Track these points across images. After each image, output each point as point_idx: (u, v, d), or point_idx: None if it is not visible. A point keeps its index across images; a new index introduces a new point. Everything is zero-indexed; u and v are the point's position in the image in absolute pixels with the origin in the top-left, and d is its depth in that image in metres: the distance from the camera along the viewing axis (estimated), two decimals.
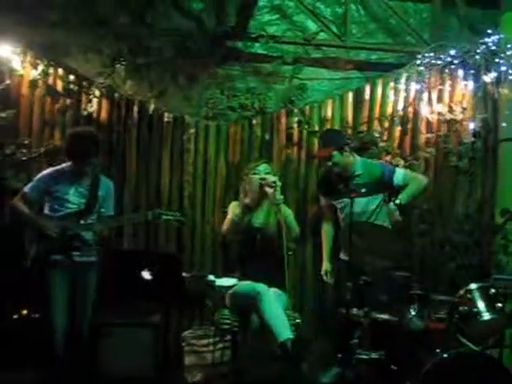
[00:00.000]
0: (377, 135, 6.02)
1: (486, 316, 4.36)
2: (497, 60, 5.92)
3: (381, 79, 6.16)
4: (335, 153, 5.18)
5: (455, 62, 6.02)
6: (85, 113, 5.86)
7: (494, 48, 5.92)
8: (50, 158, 5.60)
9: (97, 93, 5.88)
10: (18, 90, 5.75)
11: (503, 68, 5.92)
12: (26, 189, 4.88)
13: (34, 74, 5.77)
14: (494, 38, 5.93)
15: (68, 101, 5.85)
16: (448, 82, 6.10)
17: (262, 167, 5.23)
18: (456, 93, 6.10)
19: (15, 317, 5.28)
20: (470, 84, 6.04)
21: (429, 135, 6.07)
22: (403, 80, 6.11)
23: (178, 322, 5.87)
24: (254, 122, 6.07)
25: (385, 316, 4.57)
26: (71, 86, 5.86)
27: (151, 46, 5.90)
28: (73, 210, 4.85)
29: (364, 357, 4.43)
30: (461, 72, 6.06)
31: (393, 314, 4.53)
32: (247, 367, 4.88)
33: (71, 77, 5.87)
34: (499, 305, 4.40)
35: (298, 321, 4.93)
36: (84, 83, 5.89)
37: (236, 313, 4.93)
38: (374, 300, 4.55)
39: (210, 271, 5.51)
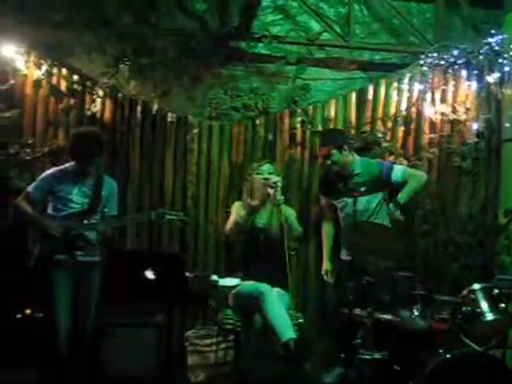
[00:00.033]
0: (380, 135, 6.02)
1: (489, 316, 4.35)
2: (500, 60, 5.92)
3: (384, 79, 6.16)
4: (334, 151, 5.19)
5: (458, 62, 6.02)
6: (88, 113, 5.87)
7: (497, 48, 5.92)
8: (53, 158, 5.61)
9: (100, 93, 5.89)
10: (21, 90, 5.76)
11: (507, 68, 5.93)
12: (30, 188, 4.88)
13: (37, 73, 5.77)
14: (498, 38, 5.93)
15: (72, 101, 5.86)
16: (451, 83, 6.10)
17: (265, 167, 5.24)
18: (459, 93, 6.10)
19: (19, 316, 5.29)
20: (474, 84, 6.04)
21: (432, 135, 6.06)
22: (406, 80, 6.11)
23: (181, 322, 5.88)
24: (258, 122, 6.07)
25: (388, 316, 4.57)
26: (75, 86, 5.87)
27: (155, 46, 5.91)
28: (76, 209, 4.86)
29: (367, 357, 4.42)
30: (464, 72, 6.05)
31: (394, 313, 4.53)
32: (250, 367, 4.88)
33: (75, 77, 5.88)
34: (502, 305, 4.40)
35: (300, 321, 4.93)
36: (88, 83, 5.90)
37: (239, 313, 4.93)
38: (375, 300, 4.55)
39: (213, 271, 5.51)
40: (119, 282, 4.62)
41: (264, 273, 4.96)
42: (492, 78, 5.99)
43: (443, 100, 6.09)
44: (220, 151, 6.04)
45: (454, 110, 6.05)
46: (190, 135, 6.00)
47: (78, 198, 4.87)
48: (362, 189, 5.11)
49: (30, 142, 5.72)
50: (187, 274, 4.79)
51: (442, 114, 6.06)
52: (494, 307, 4.37)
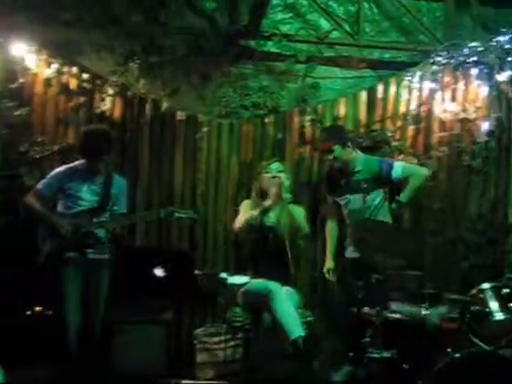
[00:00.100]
0: (389, 134, 6.01)
1: (499, 316, 4.33)
2: (510, 59, 5.90)
3: (394, 78, 6.15)
4: (336, 147, 5.19)
5: (469, 60, 6.00)
6: (98, 111, 5.90)
7: (507, 47, 5.89)
8: (63, 156, 5.63)
9: (110, 91, 5.91)
10: (32, 89, 5.79)
11: None
12: (39, 186, 4.89)
13: (47, 72, 5.80)
14: (508, 36, 5.90)
15: (81, 99, 5.88)
16: (461, 81, 6.08)
17: (275, 166, 5.24)
18: (469, 92, 6.08)
19: (29, 314, 5.30)
20: (484, 83, 6.02)
21: (442, 134, 6.04)
22: (416, 79, 6.09)
23: (189, 320, 5.89)
24: (267, 120, 6.08)
25: (396, 315, 4.56)
26: (85, 85, 5.90)
27: (164, 44, 5.92)
28: (86, 207, 4.86)
29: (376, 355, 4.42)
30: (474, 71, 6.03)
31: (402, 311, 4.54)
32: (259, 365, 4.88)
33: (85, 75, 5.90)
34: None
35: (309, 319, 4.93)
36: (97, 82, 5.92)
37: (248, 311, 4.93)
38: (382, 298, 4.56)
39: (222, 269, 5.52)
40: (129, 280, 4.65)
41: (273, 271, 4.96)
42: (502, 77, 5.96)
43: (453, 99, 6.07)
44: (229, 149, 6.05)
45: (464, 109, 6.02)
46: (200, 133, 6.01)
47: (87, 195, 4.88)
48: (363, 186, 5.13)
49: (39, 140, 5.74)
50: (196, 271, 4.81)
51: (452, 112, 6.04)
52: (503, 306, 4.36)
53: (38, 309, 5.33)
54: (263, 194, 5.15)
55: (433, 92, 6.05)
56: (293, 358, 4.61)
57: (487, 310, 4.35)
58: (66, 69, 5.85)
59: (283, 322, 4.61)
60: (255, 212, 5.08)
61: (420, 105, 6.07)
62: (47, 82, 5.80)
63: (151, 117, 5.97)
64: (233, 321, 4.96)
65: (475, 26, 6.37)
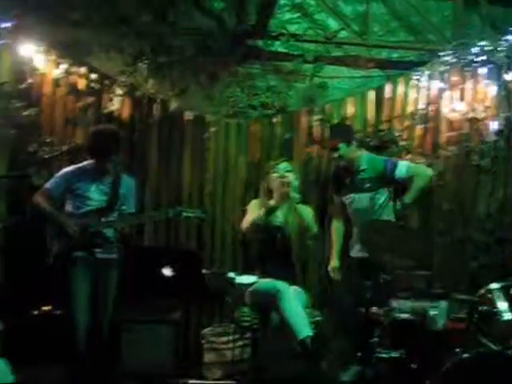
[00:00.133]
0: (397, 134, 6.01)
1: (507, 316, 4.31)
2: None
3: (402, 77, 6.14)
4: (342, 145, 5.20)
5: (477, 60, 5.98)
6: (107, 111, 5.92)
7: None
8: (71, 156, 5.65)
9: (119, 91, 5.93)
10: (40, 89, 5.81)
11: None
12: (48, 186, 4.91)
13: (56, 72, 5.82)
14: None
15: (90, 99, 5.90)
16: (470, 81, 6.06)
17: (282, 165, 5.24)
18: (478, 91, 6.06)
19: (37, 313, 5.32)
20: (493, 82, 6.00)
21: (450, 134, 6.03)
22: (425, 78, 6.08)
23: (197, 319, 5.90)
24: (275, 120, 6.09)
25: (405, 315, 4.56)
26: (93, 85, 5.91)
27: (173, 44, 5.93)
28: (94, 207, 4.87)
29: (384, 355, 4.41)
30: (483, 70, 6.01)
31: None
32: (267, 365, 4.88)
33: (93, 75, 5.92)
34: None
35: (317, 318, 4.93)
36: (106, 82, 5.94)
37: (256, 310, 4.93)
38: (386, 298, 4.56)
39: (230, 269, 5.53)
40: (137, 279, 4.66)
41: (281, 271, 4.96)
42: (511, 76, 5.94)
43: (462, 98, 6.05)
44: (237, 149, 6.06)
45: (473, 108, 6.00)
46: (208, 133, 6.02)
47: (95, 195, 4.89)
48: (367, 185, 5.13)
49: (48, 140, 5.76)
50: (204, 271, 4.81)
51: (461, 112, 6.02)
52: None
53: (46, 308, 5.34)
54: (271, 194, 5.15)
55: (441, 91, 6.04)
56: (301, 358, 4.61)
57: (495, 310, 4.33)
58: (74, 69, 5.87)
59: (291, 321, 4.61)
60: (261, 211, 5.09)
61: (428, 104, 6.06)
62: (56, 83, 5.83)
63: (159, 117, 5.99)
64: (241, 320, 4.96)
65: (484, 25, 6.34)
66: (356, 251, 5.24)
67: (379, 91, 6.14)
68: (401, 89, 6.11)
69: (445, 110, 6.04)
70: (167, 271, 4.57)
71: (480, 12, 6.37)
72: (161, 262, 4.60)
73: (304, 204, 5.26)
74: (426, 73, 6.09)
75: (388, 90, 6.13)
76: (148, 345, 5.27)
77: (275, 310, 4.74)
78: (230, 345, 5.37)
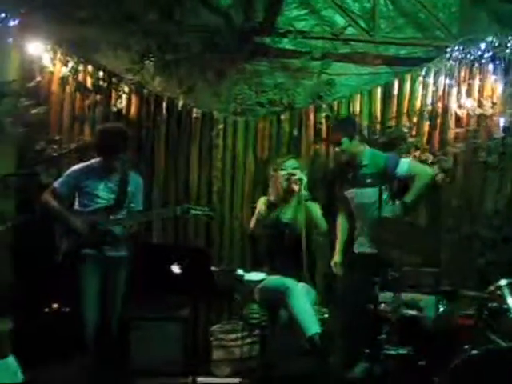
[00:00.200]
0: (405, 130, 5.99)
1: None
2: None
3: (409, 74, 6.12)
4: (344, 139, 5.23)
5: (485, 56, 5.96)
6: (114, 109, 5.93)
7: None
8: (80, 154, 5.66)
9: (126, 89, 5.94)
10: (48, 87, 5.83)
11: None
12: (56, 184, 4.93)
13: (64, 70, 5.84)
14: None
15: (97, 97, 5.92)
16: (477, 77, 6.04)
17: (290, 163, 5.25)
18: (486, 87, 6.03)
19: (46, 311, 5.34)
20: (500, 78, 5.98)
21: (458, 130, 6.01)
22: (432, 75, 6.06)
23: (206, 317, 5.91)
24: (283, 117, 6.09)
25: (413, 312, 4.56)
26: (101, 83, 5.93)
27: (180, 42, 5.93)
28: (102, 205, 4.90)
29: (392, 352, 4.41)
30: (490, 66, 5.99)
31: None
32: (275, 362, 4.89)
33: (101, 73, 5.94)
34: None
35: (325, 315, 4.93)
36: (113, 79, 5.95)
37: (264, 307, 4.94)
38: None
39: (238, 266, 5.53)
40: (145, 277, 4.65)
41: (289, 268, 4.97)
42: None
43: (469, 94, 6.02)
44: (245, 146, 6.07)
45: (481, 105, 5.98)
46: (215, 131, 6.03)
47: (104, 193, 4.91)
48: (369, 180, 5.14)
49: (56, 138, 5.78)
50: (213, 268, 4.81)
51: (468, 108, 6.01)
52: None
53: (55, 306, 5.36)
54: (279, 190, 5.16)
55: (449, 88, 6.02)
56: (309, 355, 4.62)
57: (505, 306, 4.33)
58: (82, 67, 5.88)
59: (300, 318, 4.62)
60: (262, 207, 5.12)
61: (436, 101, 6.04)
62: (64, 81, 5.83)
63: (167, 114, 6.00)
64: (249, 318, 4.98)
65: (491, 21, 6.32)
66: (360, 246, 5.25)
67: (387, 88, 6.12)
68: (408, 85, 6.09)
69: (452, 106, 6.02)
70: (176, 269, 4.57)
71: (487, 8, 6.36)
72: (169, 260, 4.59)
73: (312, 201, 5.26)
74: (434, 69, 6.07)
75: (395, 86, 6.11)
76: (157, 342, 5.29)
77: (284, 307, 4.75)
78: (239, 342, 5.38)
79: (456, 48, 5.99)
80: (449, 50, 6.00)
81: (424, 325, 4.53)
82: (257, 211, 5.24)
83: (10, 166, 5.61)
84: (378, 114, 6.10)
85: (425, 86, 6.07)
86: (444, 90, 6.03)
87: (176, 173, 5.97)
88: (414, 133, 6.01)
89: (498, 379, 4.06)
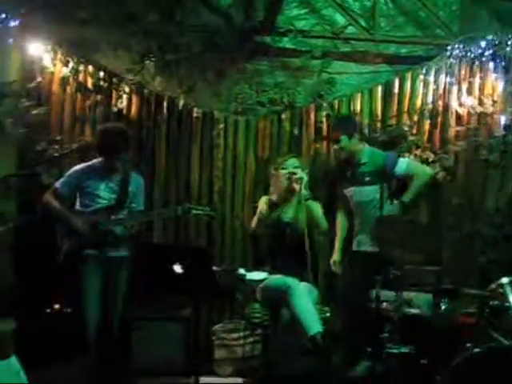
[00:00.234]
0: (406, 129, 5.99)
1: None
2: None
3: (410, 72, 6.12)
4: (343, 137, 5.26)
5: (485, 54, 5.96)
6: (115, 109, 5.93)
7: None
8: (81, 154, 5.66)
9: (126, 89, 5.95)
10: (49, 87, 5.83)
11: None
12: (58, 184, 4.94)
13: (64, 71, 5.84)
14: None
15: (98, 97, 5.91)
16: (478, 75, 6.04)
17: (291, 162, 5.25)
18: (486, 85, 6.03)
19: (48, 311, 5.34)
20: (501, 76, 5.98)
21: (459, 128, 6.01)
22: (433, 73, 6.06)
23: (208, 316, 5.91)
24: (283, 116, 6.09)
25: (415, 310, 4.56)
26: (101, 83, 5.93)
27: (180, 42, 5.92)
28: (103, 205, 4.90)
29: (394, 351, 4.42)
30: (491, 64, 5.99)
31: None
32: (277, 361, 4.89)
33: (101, 73, 5.94)
34: None
35: (327, 314, 4.93)
36: (114, 80, 5.96)
37: (266, 307, 4.94)
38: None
39: (240, 265, 5.53)
40: (147, 277, 4.66)
41: (291, 267, 4.97)
42: None
43: (470, 92, 6.03)
44: (246, 146, 6.07)
45: (481, 103, 5.98)
46: (216, 130, 6.03)
47: (105, 193, 4.92)
48: (367, 178, 5.15)
49: (57, 138, 5.78)
50: (214, 268, 4.81)
51: (469, 106, 6.01)
52: None
53: (57, 306, 5.36)
54: (280, 190, 5.16)
55: (449, 86, 6.02)
56: (311, 354, 4.62)
57: (507, 304, 4.33)
58: (82, 67, 5.88)
59: (302, 317, 4.62)
60: (264, 207, 5.11)
61: (436, 99, 6.04)
62: (64, 81, 5.83)
63: (168, 114, 6.00)
64: (251, 317, 4.98)
65: (491, 19, 6.31)
66: (358, 245, 5.26)
67: (387, 86, 6.12)
68: (409, 84, 6.09)
69: (453, 104, 6.02)
70: (177, 268, 4.58)
71: (487, 6, 6.35)
72: (171, 260, 4.60)
73: (313, 200, 5.26)
74: (434, 67, 6.07)
75: (396, 85, 6.11)
76: (158, 342, 5.29)
77: (286, 306, 4.75)
78: (241, 341, 5.38)
79: (456, 46, 5.99)
80: (449, 48, 6.00)
81: (426, 323, 4.54)
82: (258, 210, 5.24)
83: (11, 166, 5.61)
84: (379, 113, 6.10)
85: (425, 84, 6.07)
86: (445, 88, 6.03)
87: (177, 172, 5.98)
88: (414, 131, 6.01)
89: (500, 377, 4.06)
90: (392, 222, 4.77)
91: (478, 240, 5.84)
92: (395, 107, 6.09)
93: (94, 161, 5.01)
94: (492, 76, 5.99)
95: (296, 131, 6.06)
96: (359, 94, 6.12)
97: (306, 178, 5.13)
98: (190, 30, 6.00)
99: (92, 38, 5.79)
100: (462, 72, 6.03)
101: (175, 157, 5.98)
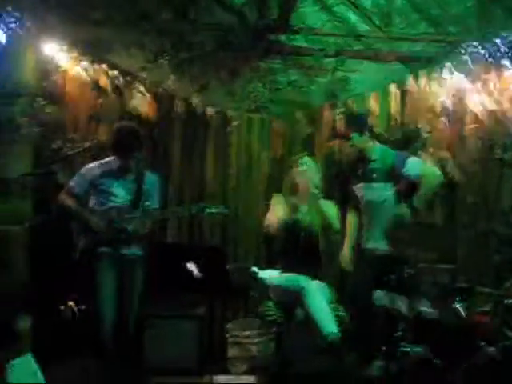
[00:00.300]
0: (420, 127, 5.98)
1: None
2: None
3: (424, 70, 6.11)
4: (354, 134, 5.25)
5: (500, 51, 5.93)
6: (129, 108, 5.94)
7: None
8: (95, 153, 5.68)
9: (140, 88, 5.95)
10: (63, 87, 5.85)
11: None
12: (72, 183, 4.96)
13: (79, 70, 5.85)
14: None
15: (112, 96, 5.93)
16: (493, 73, 6.01)
17: (304, 160, 5.24)
18: (501, 83, 6.01)
19: (64, 309, 5.36)
20: None
21: (473, 127, 5.99)
22: (447, 71, 6.04)
23: (222, 314, 5.92)
24: (297, 115, 6.08)
25: (429, 309, 4.55)
26: (115, 82, 5.94)
27: (194, 40, 5.93)
28: (118, 203, 4.91)
29: (408, 350, 4.41)
30: (506, 62, 5.96)
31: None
32: (291, 359, 4.89)
33: (115, 72, 5.95)
34: None
35: (342, 313, 4.93)
36: (127, 78, 5.96)
37: (280, 305, 4.94)
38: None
39: (253, 263, 5.54)
40: (162, 275, 4.68)
41: (304, 266, 4.96)
42: None
43: (485, 90, 6.00)
44: (260, 144, 6.09)
45: (496, 101, 5.96)
46: (230, 129, 6.03)
47: (119, 191, 4.93)
48: (376, 176, 5.15)
49: (71, 137, 5.80)
50: (228, 266, 4.83)
51: (484, 104, 5.98)
52: None
53: (73, 304, 5.38)
54: (294, 189, 5.16)
55: (464, 84, 5.99)
56: (325, 353, 4.62)
57: None
58: (96, 66, 5.90)
59: (316, 317, 4.62)
60: (286, 209, 5.09)
61: (451, 97, 6.02)
62: (78, 80, 5.85)
63: (181, 113, 6.01)
64: (265, 315, 4.97)
65: (507, 16, 6.28)
66: (367, 242, 5.25)
67: (401, 84, 6.11)
68: (423, 82, 6.07)
69: (468, 102, 6.00)
70: (192, 266, 4.60)
71: (502, 5, 6.31)
72: (185, 258, 4.63)
73: (327, 199, 5.26)
74: (448, 65, 6.05)
75: (410, 83, 6.09)
76: (173, 340, 5.31)
77: (300, 305, 4.75)
78: (255, 339, 5.38)
79: (471, 44, 5.96)
80: (464, 45, 5.98)
81: (440, 322, 4.53)
82: (271, 209, 5.24)
83: (27, 165, 5.64)
84: (393, 111, 6.08)
85: (440, 82, 6.04)
86: (459, 86, 6.01)
87: (191, 171, 5.99)
88: (429, 129, 5.99)
89: None
90: (404, 221, 4.78)
91: (492, 238, 5.82)
92: (409, 105, 6.07)
93: (108, 159, 5.02)
94: (507, 74, 5.96)
95: (310, 130, 6.05)
96: (373, 93, 6.10)
97: (317, 178, 5.12)
98: (203, 29, 5.99)
99: (106, 37, 5.79)
100: (477, 70, 6.00)
101: (189, 155, 5.99)
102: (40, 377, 4.40)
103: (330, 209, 5.20)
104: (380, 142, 5.50)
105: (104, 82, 5.93)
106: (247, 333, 5.53)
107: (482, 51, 5.94)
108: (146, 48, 5.90)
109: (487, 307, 4.53)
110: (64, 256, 4.88)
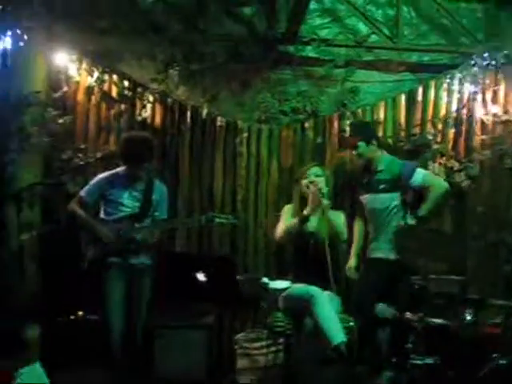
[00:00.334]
0: (430, 137, 5.97)
1: None
2: None
3: (434, 81, 6.11)
4: (361, 143, 5.24)
5: (509, 62, 5.93)
6: (139, 118, 5.96)
7: None
8: (105, 163, 5.70)
9: (151, 98, 5.97)
10: (74, 97, 5.87)
11: None
12: (82, 193, 4.97)
13: (89, 80, 5.88)
14: None
15: (123, 106, 5.95)
16: (503, 83, 6.01)
17: (313, 170, 5.23)
18: (511, 93, 6.00)
19: (73, 318, 5.37)
20: None
21: (483, 137, 5.98)
22: (457, 81, 6.04)
23: (231, 325, 5.91)
24: (307, 125, 6.09)
25: (439, 320, 4.53)
26: (126, 92, 5.96)
27: (204, 51, 5.94)
28: (127, 213, 4.92)
29: (418, 362, 4.39)
30: None
31: None
32: (300, 370, 4.87)
33: (126, 83, 5.97)
34: None
35: (351, 324, 4.90)
36: (138, 89, 5.98)
37: (289, 315, 4.93)
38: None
39: (263, 274, 5.52)
40: (170, 285, 4.67)
41: (314, 276, 4.95)
42: None
43: (494, 101, 6.00)
44: (269, 155, 6.07)
45: (506, 111, 5.96)
46: (239, 139, 6.04)
47: (128, 201, 4.94)
48: (382, 186, 5.13)
49: (82, 147, 5.82)
50: (238, 276, 4.82)
51: (494, 114, 5.98)
52: None
53: (81, 313, 5.38)
54: (304, 199, 5.15)
55: (474, 94, 5.99)
56: (335, 364, 4.60)
57: None
58: (107, 77, 5.92)
59: (325, 327, 4.60)
60: (295, 220, 5.08)
61: (461, 107, 6.02)
62: (89, 90, 5.88)
63: (191, 123, 6.02)
64: (274, 326, 4.96)
65: None
66: (373, 252, 5.24)
67: (411, 95, 6.11)
68: (433, 92, 6.08)
69: (478, 112, 5.99)
70: (201, 277, 4.59)
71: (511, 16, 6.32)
72: (195, 268, 4.62)
73: (336, 209, 5.25)
74: (458, 76, 6.05)
75: (420, 93, 6.09)
76: (181, 350, 5.29)
77: (309, 315, 4.74)
78: (264, 350, 5.36)
79: (481, 54, 5.96)
80: (474, 56, 5.97)
81: (450, 334, 4.51)
82: (281, 219, 5.23)
83: (37, 175, 5.66)
84: (403, 121, 6.08)
85: (449, 92, 6.05)
86: (469, 96, 6.01)
87: (200, 181, 5.99)
88: (439, 140, 5.99)
89: None
90: (413, 231, 4.76)
91: (502, 249, 5.81)
92: (419, 116, 6.07)
93: (118, 169, 5.04)
94: None
95: (319, 140, 6.06)
96: (383, 103, 6.11)
97: (326, 188, 5.11)
98: (214, 40, 6.02)
99: (115, 47, 5.82)
100: (487, 80, 6.00)
101: (199, 165, 6.00)
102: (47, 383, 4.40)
103: (338, 218, 5.18)
104: (389, 151, 5.49)
105: (115, 92, 5.95)
106: (256, 344, 5.51)
107: (492, 62, 5.94)
108: (156, 58, 5.92)
109: (498, 319, 4.50)
110: (73, 265, 4.88)
